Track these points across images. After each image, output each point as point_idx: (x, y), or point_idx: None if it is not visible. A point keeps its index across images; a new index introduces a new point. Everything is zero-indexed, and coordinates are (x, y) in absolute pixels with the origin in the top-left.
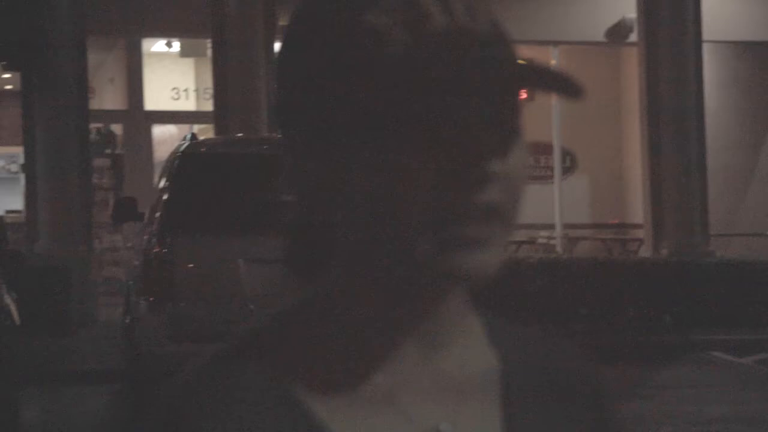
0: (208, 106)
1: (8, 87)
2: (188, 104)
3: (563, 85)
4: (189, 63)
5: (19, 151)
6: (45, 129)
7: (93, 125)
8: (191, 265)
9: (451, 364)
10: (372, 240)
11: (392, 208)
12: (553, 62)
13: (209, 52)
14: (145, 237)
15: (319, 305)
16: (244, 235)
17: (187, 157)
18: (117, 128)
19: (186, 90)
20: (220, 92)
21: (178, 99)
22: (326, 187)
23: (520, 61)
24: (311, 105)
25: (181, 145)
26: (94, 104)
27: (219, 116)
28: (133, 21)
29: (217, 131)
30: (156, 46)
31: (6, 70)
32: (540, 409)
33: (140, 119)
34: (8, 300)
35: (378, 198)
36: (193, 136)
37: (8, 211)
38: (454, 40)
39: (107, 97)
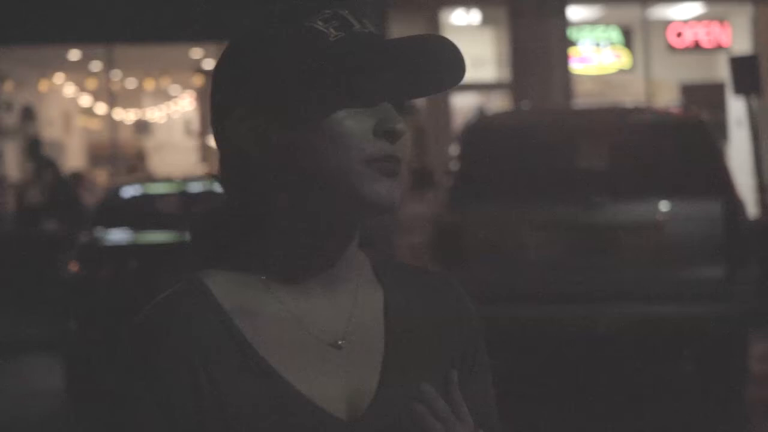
0: (507, 75)
1: None
2: (488, 74)
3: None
4: (488, 32)
5: None
6: None
7: None
8: (480, 234)
9: (345, 293)
10: (314, 183)
11: (336, 153)
12: None
13: (507, 20)
14: (438, 206)
15: (243, 254)
16: (530, 204)
17: (474, 131)
18: (419, 100)
19: (486, 60)
20: (516, 62)
21: (477, 69)
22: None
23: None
24: (265, 88)
25: (470, 118)
26: None
27: (516, 86)
28: None
29: (514, 101)
30: (455, 17)
31: None
32: (416, 330)
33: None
34: None
35: (324, 147)
36: (481, 110)
37: None
38: (368, 37)
39: None
